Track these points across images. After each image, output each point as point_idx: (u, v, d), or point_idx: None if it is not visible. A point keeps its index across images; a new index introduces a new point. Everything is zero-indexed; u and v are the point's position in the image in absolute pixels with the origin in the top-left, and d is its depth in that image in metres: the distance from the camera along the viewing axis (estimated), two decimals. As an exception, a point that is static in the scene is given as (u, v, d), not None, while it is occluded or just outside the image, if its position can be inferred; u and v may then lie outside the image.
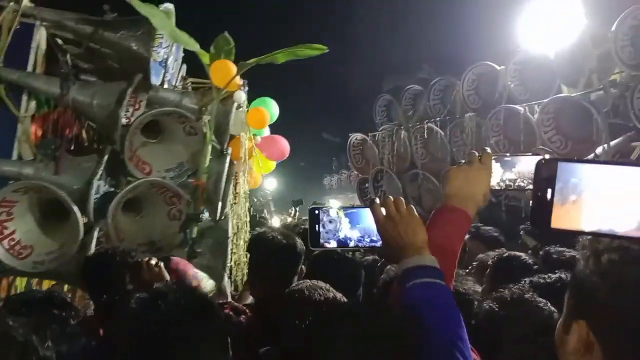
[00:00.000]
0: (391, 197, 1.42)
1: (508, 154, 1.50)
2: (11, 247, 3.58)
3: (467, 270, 2.93)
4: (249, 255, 2.93)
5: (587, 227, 0.88)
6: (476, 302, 1.83)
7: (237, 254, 4.36)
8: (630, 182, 0.85)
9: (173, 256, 3.91)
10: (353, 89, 14.78)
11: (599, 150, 6.19)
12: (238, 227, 4.43)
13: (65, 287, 4.39)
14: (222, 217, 4.37)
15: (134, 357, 1.26)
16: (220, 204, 4.53)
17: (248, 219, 4.69)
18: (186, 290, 1.42)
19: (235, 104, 3.79)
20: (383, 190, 10.56)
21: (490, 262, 2.70)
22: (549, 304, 1.61)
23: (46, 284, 4.30)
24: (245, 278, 4.02)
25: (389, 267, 2.30)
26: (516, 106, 7.53)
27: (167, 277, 2.56)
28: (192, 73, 5.35)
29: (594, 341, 0.88)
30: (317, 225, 1.52)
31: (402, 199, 1.43)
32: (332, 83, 16.86)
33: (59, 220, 3.75)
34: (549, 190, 0.90)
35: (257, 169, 4.71)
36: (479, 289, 2.19)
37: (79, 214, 3.50)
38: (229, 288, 4.11)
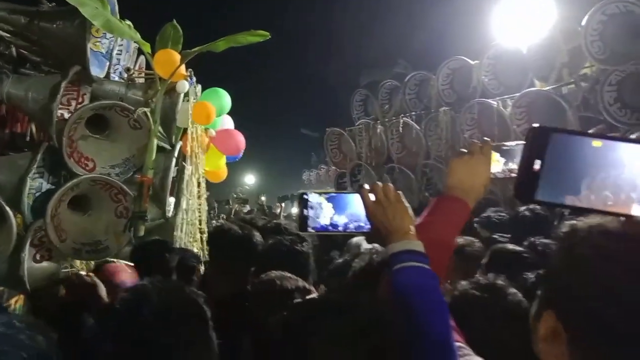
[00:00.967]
0: (379, 183, 1.45)
1: (506, 144, 1.53)
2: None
3: None
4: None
5: (571, 201, 0.87)
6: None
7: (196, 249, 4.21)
8: (622, 157, 0.84)
9: (115, 259, 3.78)
10: (331, 83, 14.66)
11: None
12: (191, 222, 4.28)
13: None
14: (174, 214, 4.22)
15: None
16: (172, 200, 4.39)
17: (204, 214, 4.55)
18: (171, 290, 1.38)
19: (182, 95, 3.61)
20: (361, 184, 10.48)
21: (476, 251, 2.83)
22: (519, 294, 1.68)
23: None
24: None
25: (361, 254, 2.32)
26: (489, 100, 7.51)
27: (102, 286, 2.44)
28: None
29: (561, 331, 0.90)
30: (305, 210, 1.54)
31: (391, 185, 1.45)
32: (310, 78, 16.74)
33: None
34: (538, 161, 0.88)
35: (212, 164, 4.55)
36: None
37: (11, 214, 3.32)
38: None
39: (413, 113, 9.11)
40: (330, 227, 1.55)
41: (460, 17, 9.95)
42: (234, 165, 5.56)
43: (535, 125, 0.93)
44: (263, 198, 13.56)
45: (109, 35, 3.86)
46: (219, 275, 2.63)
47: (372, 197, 1.44)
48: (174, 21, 3.82)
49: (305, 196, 1.56)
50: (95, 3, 3.13)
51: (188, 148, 3.80)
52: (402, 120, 9.14)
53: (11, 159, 3.60)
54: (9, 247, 3.42)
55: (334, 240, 4.35)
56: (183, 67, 3.59)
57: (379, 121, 9.91)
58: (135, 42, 3.83)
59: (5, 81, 3.45)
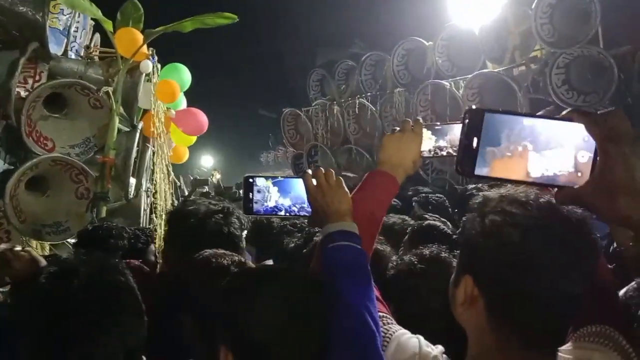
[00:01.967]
0: (322, 169, 1.49)
1: (439, 123, 1.55)
2: None
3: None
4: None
5: (506, 174, 0.92)
6: (392, 259, 1.96)
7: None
8: (548, 134, 0.91)
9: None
10: (288, 63, 14.59)
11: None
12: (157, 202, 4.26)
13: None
14: (135, 195, 4.21)
15: (43, 333, 1.23)
16: (132, 180, 4.36)
17: (168, 194, 4.53)
18: (98, 263, 1.37)
19: (143, 75, 3.58)
20: (318, 165, 10.53)
21: (408, 229, 2.79)
22: None
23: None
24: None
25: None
26: (442, 81, 7.62)
27: (42, 261, 2.30)
28: (107, 42, 5.07)
29: (477, 295, 0.98)
30: (250, 194, 1.58)
31: (332, 171, 1.49)
32: (268, 58, 16.59)
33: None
34: (475, 139, 0.93)
35: (182, 140, 4.54)
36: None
37: (-31, 194, 3.25)
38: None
39: (369, 94, 9.17)
40: (274, 210, 1.59)
41: (417, -3, 10.05)
42: (191, 147, 5.54)
43: (471, 106, 1.03)
44: (218, 176, 13.36)
45: (66, 11, 3.79)
46: (176, 255, 2.61)
47: (314, 181, 1.48)
48: (135, -1, 3.77)
49: (250, 180, 1.59)
50: (55, -22, 3.07)
51: (153, 128, 3.77)
52: (358, 101, 9.19)
53: (-34, 139, 3.50)
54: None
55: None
56: (145, 46, 3.56)
57: (335, 102, 9.92)
58: (96, 19, 3.76)
59: (-42, 58, 3.34)
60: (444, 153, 1.51)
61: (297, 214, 1.59)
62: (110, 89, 3.41)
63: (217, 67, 16.18)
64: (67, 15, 3.80)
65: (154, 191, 4.05)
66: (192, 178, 13.01)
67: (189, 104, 4.86)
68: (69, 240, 3.98)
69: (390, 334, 1.35)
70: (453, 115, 7.27)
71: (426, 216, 3.68)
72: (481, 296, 0.97)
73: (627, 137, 0.80)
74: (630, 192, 0.78)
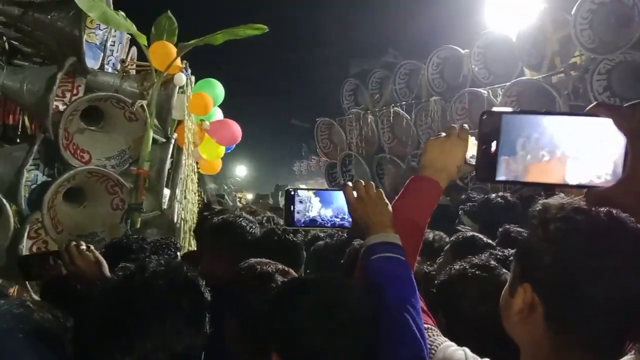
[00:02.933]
0: (362, 181, 1.51)
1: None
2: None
3: None
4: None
5: (533, 178, 0.90)
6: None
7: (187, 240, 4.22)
8: (574, 132, 0.86)
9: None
10: (321, 73, 14.61)
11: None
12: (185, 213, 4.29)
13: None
14: (169, 206, 4.23)
15: (109, 327, 1.26)
16: (167, 191, 4.39)
17: (196, 205, 4.56)
18: (168, 264, 1.41)
19: (177, 88, 3.61)
20: (352, 174, 10.51)
21: (448, 240, 2.79)
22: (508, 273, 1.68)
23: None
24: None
25: (355, 242, 2.40)
26: (480, 89, 7.52)
27: (103, 260, 2.28)
28: (143, 55, 5.15)
29: (537, 302, 0.95)
30: (292, 206, 1.61)
31: (372, 183, 1.51)
32: (301, 68, 16.67)
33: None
34: (494, 143, 0.90)
35: (208, 154, 4.55)
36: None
37: (8, 206, 3.32)
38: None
39: (403, 103, 9.11)
40: (316, 221, 1.62)
41: (451, 6, 9.95)
42: (224, 157, 5.58)
43: (486, 110, 0.97)
44: (242, 196, 13.43)
45: (102, 26, 3.85)
46: (214, 264, 2.62)
47: (355, 194, 1.49)
48: (169, 12, 3.81)
49: (292, 192, 1.61)
50: (92, -6, 3.12)
51: (185, 140, 3.79)
52: (392, 110, 9.13)
53: (6, 151, 3.58)
54: (6, 239, 3.42)
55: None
56: (179, 59, 3.58)
57: (369, 111, 9.89)
58: (131, 34, 3.81)
59: (0, 73, 3.43)
60: None
61: (339, 225, 1.62)
62: (144, 103, 3.44)
63: (251, 77, 16.37)
64: (104, 30, 3.87)
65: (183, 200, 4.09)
66: (226, 187, 13.18)
67: (224, 115, 4.88)
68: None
69: (436, 346, 1.34)
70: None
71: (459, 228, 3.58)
72: (541, 304, 0.96)
73: None
74: None
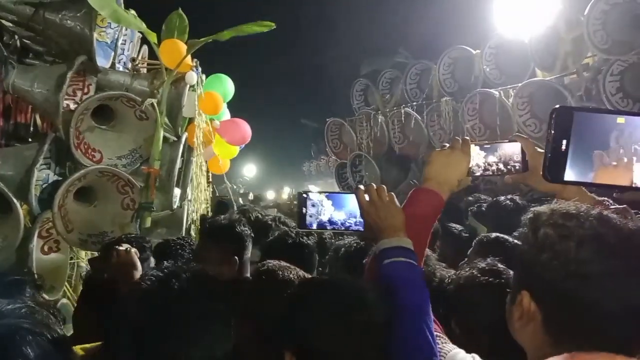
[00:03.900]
0: (374, 185, 1.53)
1: (487, 142, 1.55)
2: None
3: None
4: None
5: (599, 179, 0.88)
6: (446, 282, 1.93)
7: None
8: None
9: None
10: (331, 73, 14.58)
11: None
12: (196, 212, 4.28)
13: None
14: (179, 205, 4.22)
15: (142, 332, 1.25)
16: (178, 190, 4.39)
17: (208, 204, 4.55)
18: (196, 271, 1.41)
19: (188, 86, 3.60)
20: (362, 175, 10.49)
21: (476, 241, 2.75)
22: None
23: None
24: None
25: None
26: (491, 90, 7.45)
27: (139, 264, 2.27)
28: (154, 54, 5.15)
29: (535, 310, 0.97)
30: (304, 208, 1.62)
31: (384, 187, 1.52)
32: (311, 68, 16.64)
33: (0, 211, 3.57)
34: (564, 141, 0.88)
35: (222, 153, 4.54)
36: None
37: (19, 206, 3.32)
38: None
39: (414, 103, 9.06)
40: (328, 224, 1.63)
41: (462, 6, 9.87)
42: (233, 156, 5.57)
43: (558, 106, 0.93)
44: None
45: (113, 25, 3.85)
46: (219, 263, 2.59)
47: (366, 197, 1.50)
48: (180, 10, 3.79)
49: (304, 195, 1.63)
50: (103, -7, 3.11)
51: (195, 139, 3.78)
52: (403, 111, 9.09)
53: (17, 150, 3.59)
54: (17, 238, 3.42)
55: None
56: (189, 57, 3.57)
57: (379, 111, 9.85)
58: (141, 32, 3.81)
59: (11, 72, 3.43)
60: (494, 169, 1.51)
61: (352, 228, 1.62)
62: (154, 101, 3.43)
63: (260, 76, 16.37)
64: (115, 29, 3.87)
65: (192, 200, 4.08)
66: (235, 187, 13.17)
67: (232, 114, 4.87)
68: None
69: (445, 352, 1.35)
70: (502, 125, 7.10)
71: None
72: (539, 310, 0.97)
73: None
74: None
